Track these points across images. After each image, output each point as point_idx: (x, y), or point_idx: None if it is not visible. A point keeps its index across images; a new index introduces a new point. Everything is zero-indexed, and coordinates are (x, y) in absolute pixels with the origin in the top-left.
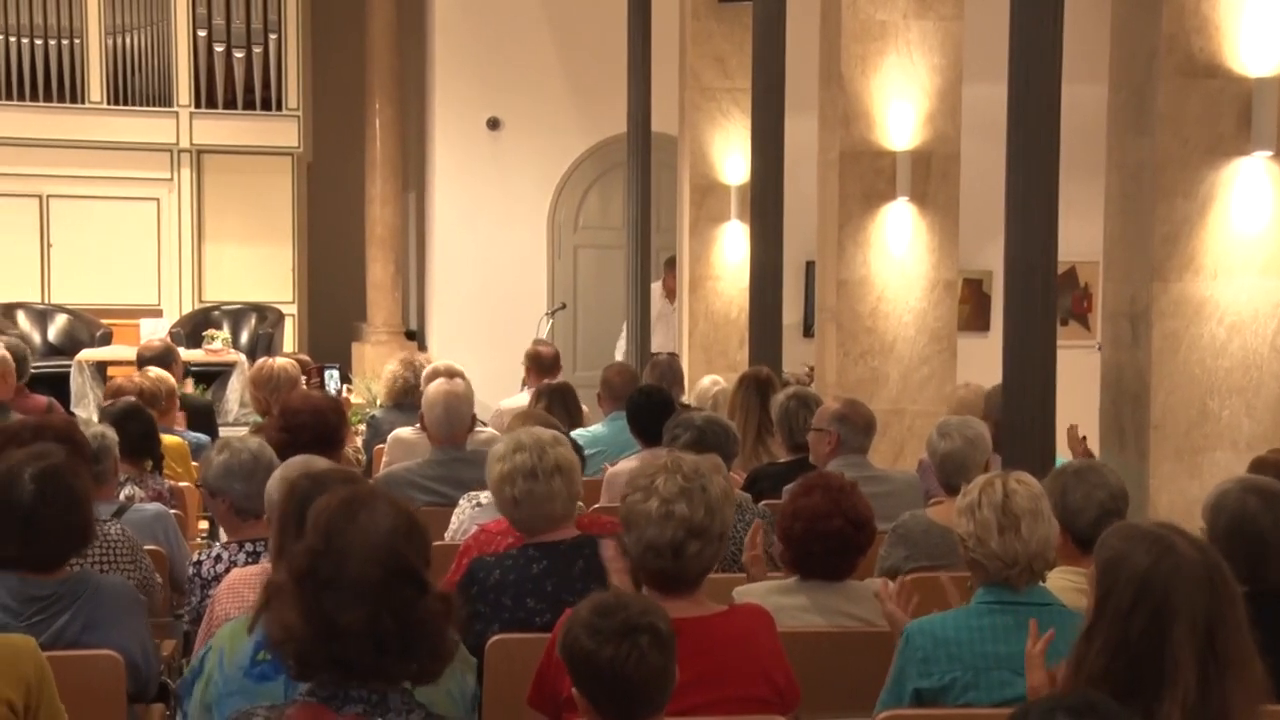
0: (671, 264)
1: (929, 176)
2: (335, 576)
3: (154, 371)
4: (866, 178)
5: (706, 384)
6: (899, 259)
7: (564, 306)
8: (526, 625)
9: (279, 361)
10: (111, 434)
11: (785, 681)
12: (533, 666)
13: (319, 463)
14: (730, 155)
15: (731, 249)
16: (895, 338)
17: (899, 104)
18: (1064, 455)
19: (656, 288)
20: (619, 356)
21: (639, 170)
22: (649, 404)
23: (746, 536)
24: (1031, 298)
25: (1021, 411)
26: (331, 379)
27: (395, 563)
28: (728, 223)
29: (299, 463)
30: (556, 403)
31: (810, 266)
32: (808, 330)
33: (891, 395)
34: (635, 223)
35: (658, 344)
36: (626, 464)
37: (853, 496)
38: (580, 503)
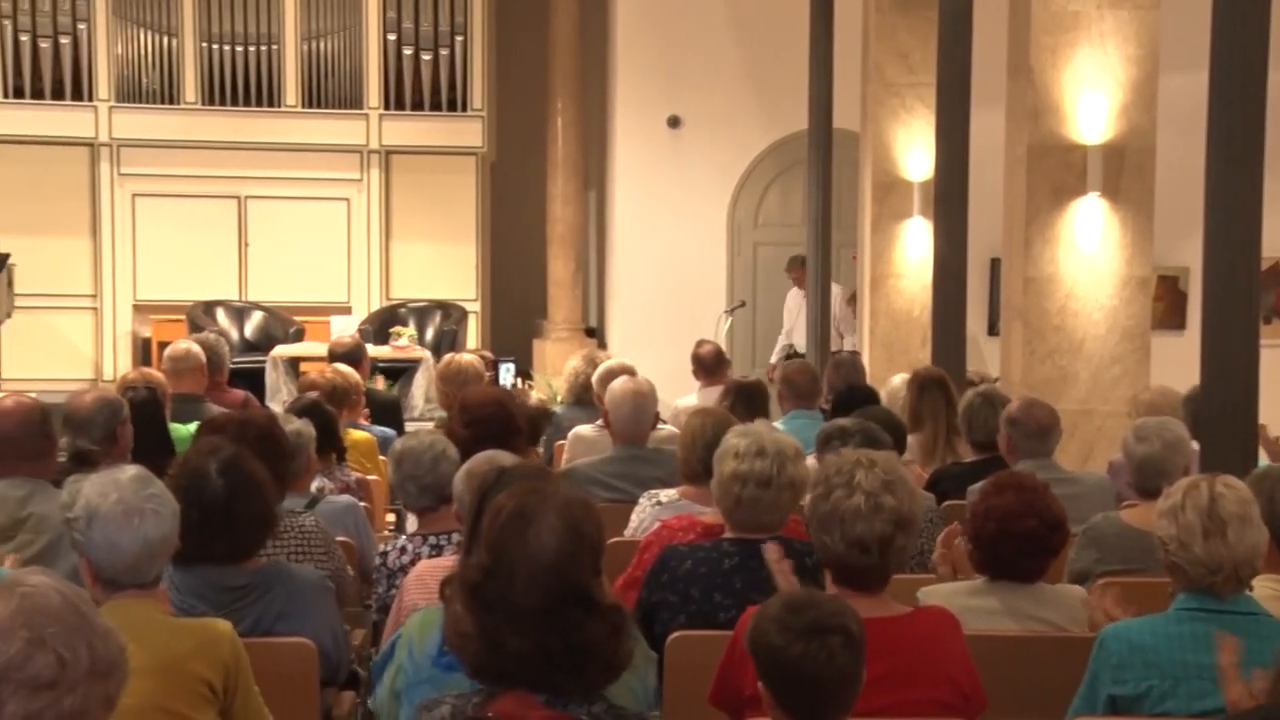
0: (801, 262)
1: (1122, 170)
2: (501, 598)
3: (342, 367)
4: (1056, 172)
5: (896, 383)
6: (1089, 255)
7: (743, 304)
8: (710, 620)
9: (466, 357)
10: (309, 429)
11: (971, 686)
12: (713, 663)
13: (504, 458)
14: (913, 151)
15: (914, 246)
16: (1085, 336)
17: (1091, 96)
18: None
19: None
20: (774, 359)
21: (820, 167)
22: (854, 402)
23: (939, 536)
24: (1233, 295)
25: (1221, 413)
26: (506, 372)
27: (561, 587)
28: (910, 219)
29: (484, 458)
30: (742, 401)
31: (995, 264)
32: (992, 329)
33: (1080, 395)
34: (816, 220)
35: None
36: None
37: (1046, 497)
38: None
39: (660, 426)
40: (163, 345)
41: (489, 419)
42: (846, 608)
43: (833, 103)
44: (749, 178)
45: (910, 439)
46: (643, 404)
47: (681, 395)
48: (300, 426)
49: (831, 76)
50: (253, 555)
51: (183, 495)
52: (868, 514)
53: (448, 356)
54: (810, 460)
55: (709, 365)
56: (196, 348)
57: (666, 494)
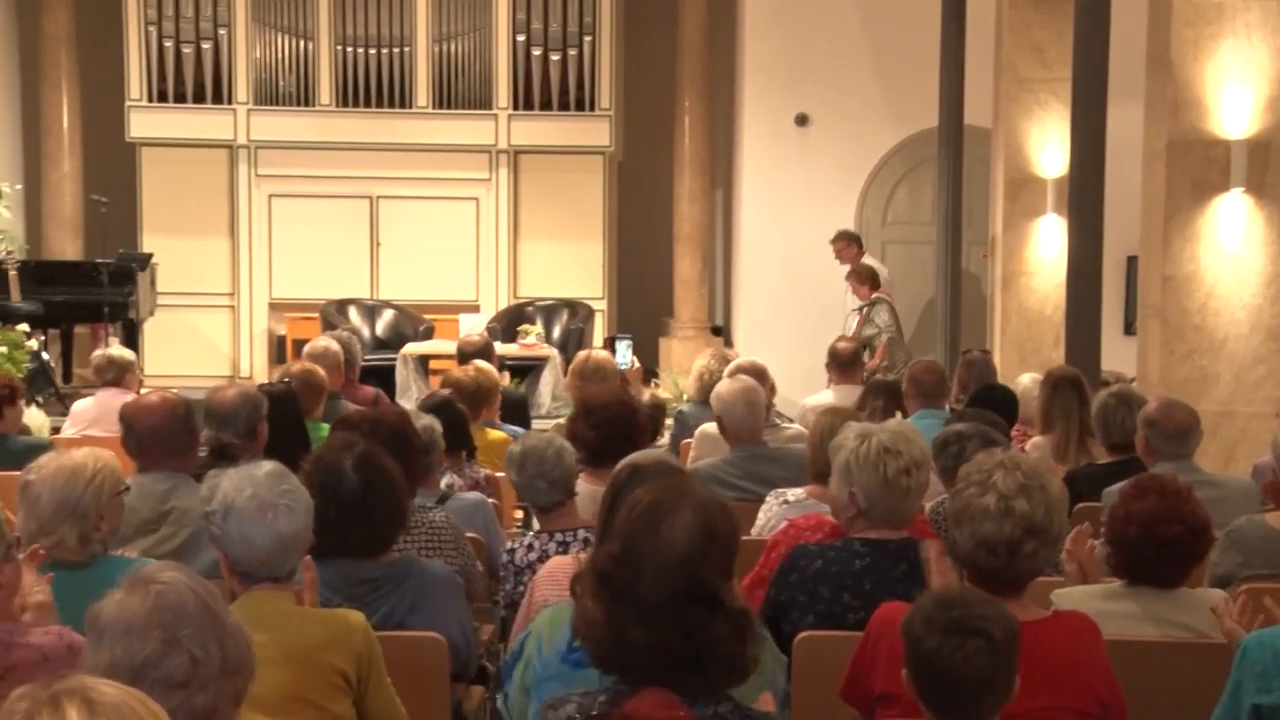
0: (848, 237)
1: (1268, 166)
2: (629, 589)
3: (484, 365)
4: (1197, 168)
5: (1026, 383)
6: (1232, 253)
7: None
8: (839, 620)
9: (600, 354)
10: (438, 426)
11: (1110, 695)
12: (841, 663)
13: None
14: (1047, 147)
15: (1047, 243)
16: (1226, 335)
17: (1235, 90)
18: None
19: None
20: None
21: (950, 164)
22: (991, 403)
23: (1068, 536)
24: None
25: None
26: (624, 349)
27: (688, 584)
28: (1043, 217)
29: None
30: (885, 400)
31: (1132, 262)
32: (1128, 328)
33: (1222, 396)
34: (946, 217)
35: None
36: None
37: (1191, 502)
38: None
39: (787, 425)
40: (297, 343)
41: (614, 419)
42: (1000, 613)
43: (964, 99)
44: (877, 175)
45: (1042, 439)
46: (754, 400)
47: (807, 394)
48: (429, 422)
49: (963, 72)
50: (386, 550)
51: (318, 490)
52: (996, 515)
53: (584, 353)
54: None
55: (845, 362)
56: (336, 345)
57: (794, 493)
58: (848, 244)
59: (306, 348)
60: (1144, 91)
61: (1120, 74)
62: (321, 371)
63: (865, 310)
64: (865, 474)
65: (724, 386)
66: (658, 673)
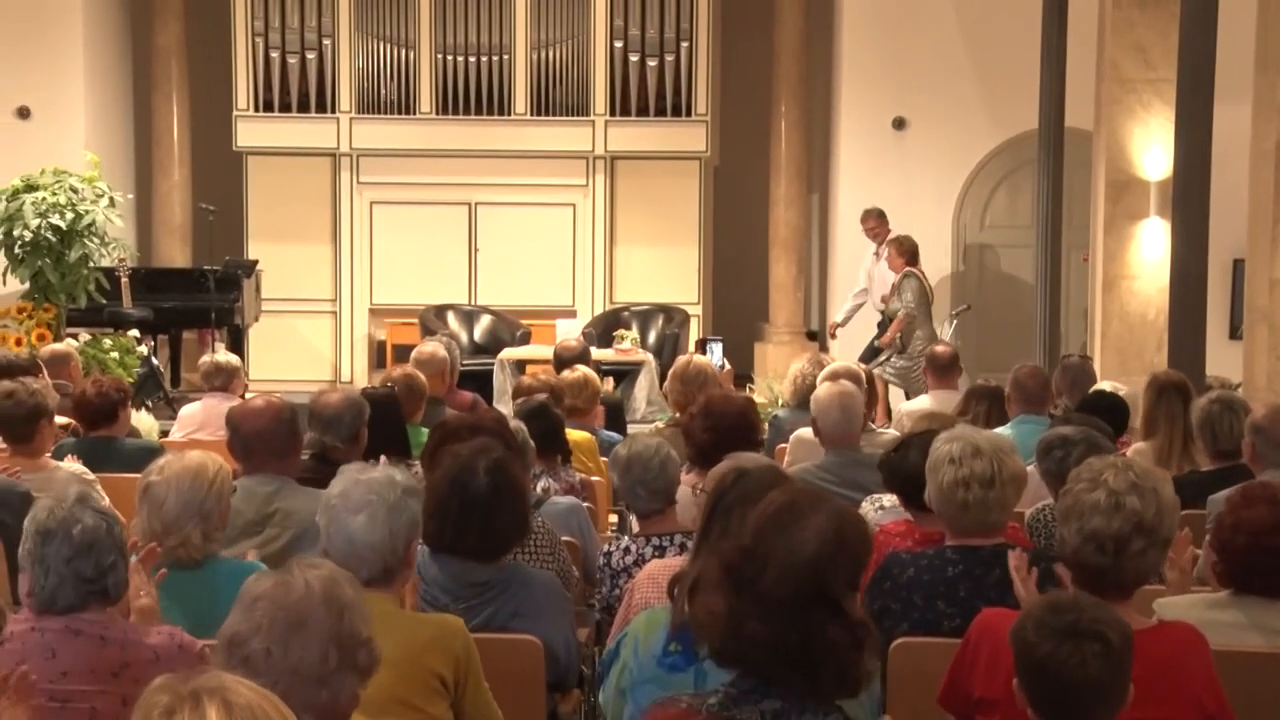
0: (878, 215)
1: None
2: (752, 581)
3: (581, 370)
4: None
5: (1107, 389)
6: None
7: (968, 308)
8: (934, 628)
9: (701, 359)
10: (524, 430)
11: (1218, 708)
12: (938, 671)
13: (746, 459)
14: (1150, 149)
15: (1150, 247)
16: None
17: None
18: None
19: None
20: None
21: (1050, 166)
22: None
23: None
24: None
25: None
26: (714, 351)
27: (812, 585)
28: (1146, 220)
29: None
30: (988, 405)
31: (1238, 265)
32: (1234, 332)
33: None
34: (1045, 221)
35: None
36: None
37: None
38: None
39: (883, 430)
40: (397, 348)
41: (734, 427)
42: (1114, 617)
43: (1065, 100)
44: (976, 179)
45: (1144, 445)
46: (850, 405)
47: (903, 399)
48: (520, 426)
49: (1064, 73)
50: (499, 557)
51: (448, 485)
52: (1107, 510)
53: (684, 357)
54: (1029, 469)
55: (943, 367)
56: (443, 351)
57: (890, 499)
58: (879, 222)
59: (414, 353)
60: (1251, 91)
61: (1226, 73)
62: (422, 377)
63: (899, 281)
64: (931, 478)
65: (821, 391)
66: (771, 669)
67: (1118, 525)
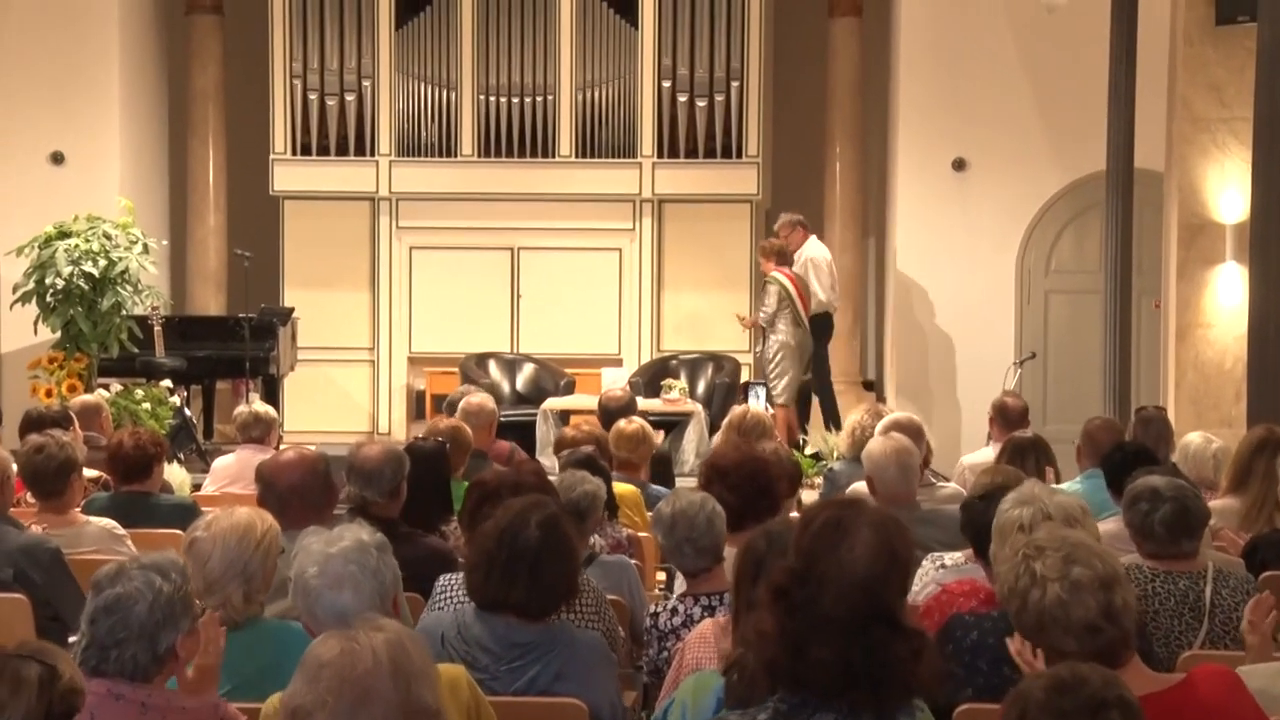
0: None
1: None
2: (809, 605)
3: (638, 423)
4: None
5: (1198, 441)
6: None
7: (1033, 356)
8: (999, 694)
9: (758, 410)
10: (600, 491)
11: None
12: None
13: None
14: (1225, 190)
15: (1226, 293)
16: None
17: None
18: None
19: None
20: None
21: (1119, 209)
22: (1128, 464)
23: (1247, 608)
24: None
25: None
26: (757, 396)
27: (871, 603)
28: (1221, 264)
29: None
30: (1028, 457)
31: None
32: None
33: None
34: (1114, 266)
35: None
36: (1104, 526)
37: None
38: None
39: (942, 485)
40: (436, 398)
41: (751, 477)
42: (1115, 677)
43: (1134, 140)
44: (1040, 222)
45: (1230, 501)
46: (906, 461)
47: (968, 452)
48: (594, 489)
49: (1133, 112)
50: (545, 616)
51: (497, 536)
52: (1071, 599)
53: (740, 408)
54: (1113, 523)
55: (1013, 419)
56: (491, 403)
57: (951, 557)
58: (792, 230)
59: (461, 404)
60: None
61: None
62: (468, 430)
63: (765, 284)
64: (998, 542)
65: (876, 445)
66: (835, 690)
67: (1094, 601)
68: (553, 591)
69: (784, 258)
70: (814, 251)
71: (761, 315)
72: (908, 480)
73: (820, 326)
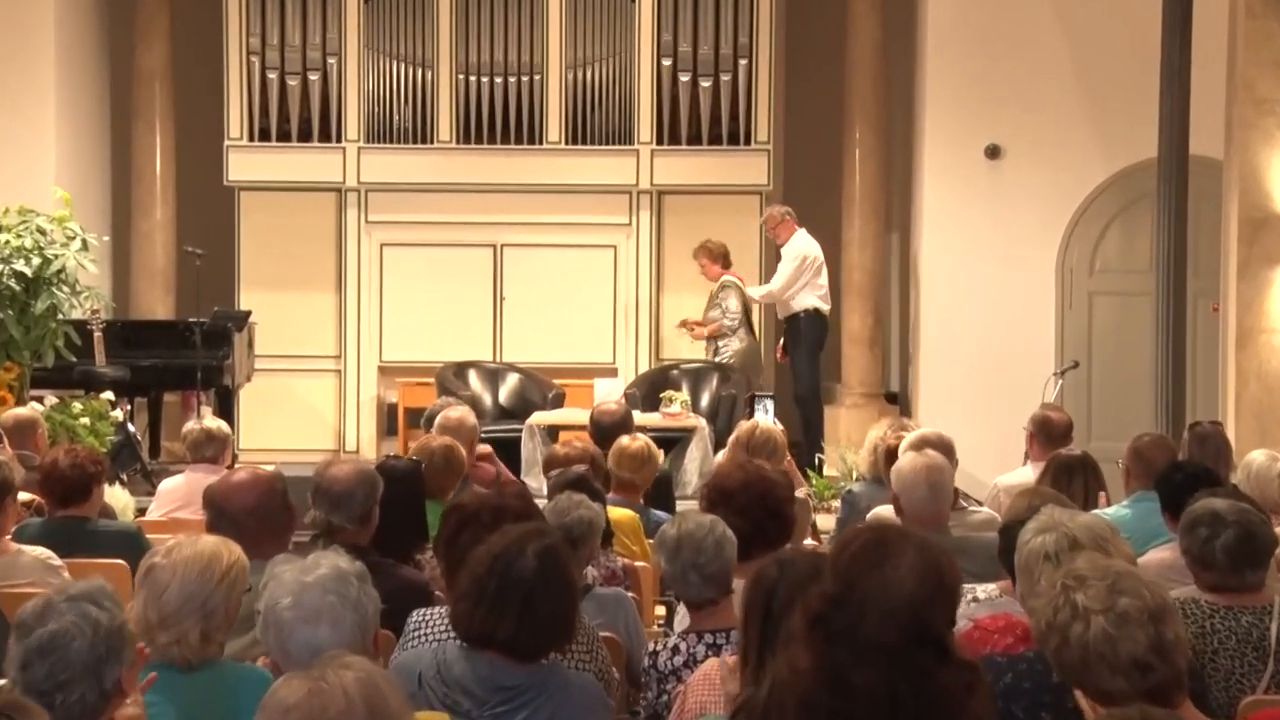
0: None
1: None
2: (850, 630)
3: (642, 440)
4: None
5: (1263, 460)
6: None
7: (1076, 365)
8: None
9: (769, 425)
10: (599, 519)
11: None
12: None
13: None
14: None
15: None
16: None
17: None
18: None
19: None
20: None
21: (1173, 201)
22: (1188, 485)
23: None
24: None
25: None
26: (765, 410)
27: (916, 628)
28: None
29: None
30: (1075, 478)
31: None
32: None
33: None
34: (1167, 264)
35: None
36: (1157, 555)
37: None
38: None
39: (975, 509)
40: (410, 412)
41: (760, 498)
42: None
43: (1189, 124)
44: (1083, 215)
45: None
46: (939, 482)
47: (1001, 472)
48: (591, 515)
49: (1188, 93)
50: (536, 658)
51: (489, 563)
52: (1118, 633)
53: (748, 423)
54: (1167, 551)
55: (1056, 435)
56: (472, 418)
57: (985, 589)
58: (781, 220)
59: (438, 419)
60: None
61: None
62: (462, 449)
63: (717, 291)
64: (1023, 577)
65: (906, 462)
66: None
67: (1144, 635)
68: (545, 630)
69: (728, 260)
70: (809, 247)
71: (727, 323)
72: (938, 501)
73: (814, 328)
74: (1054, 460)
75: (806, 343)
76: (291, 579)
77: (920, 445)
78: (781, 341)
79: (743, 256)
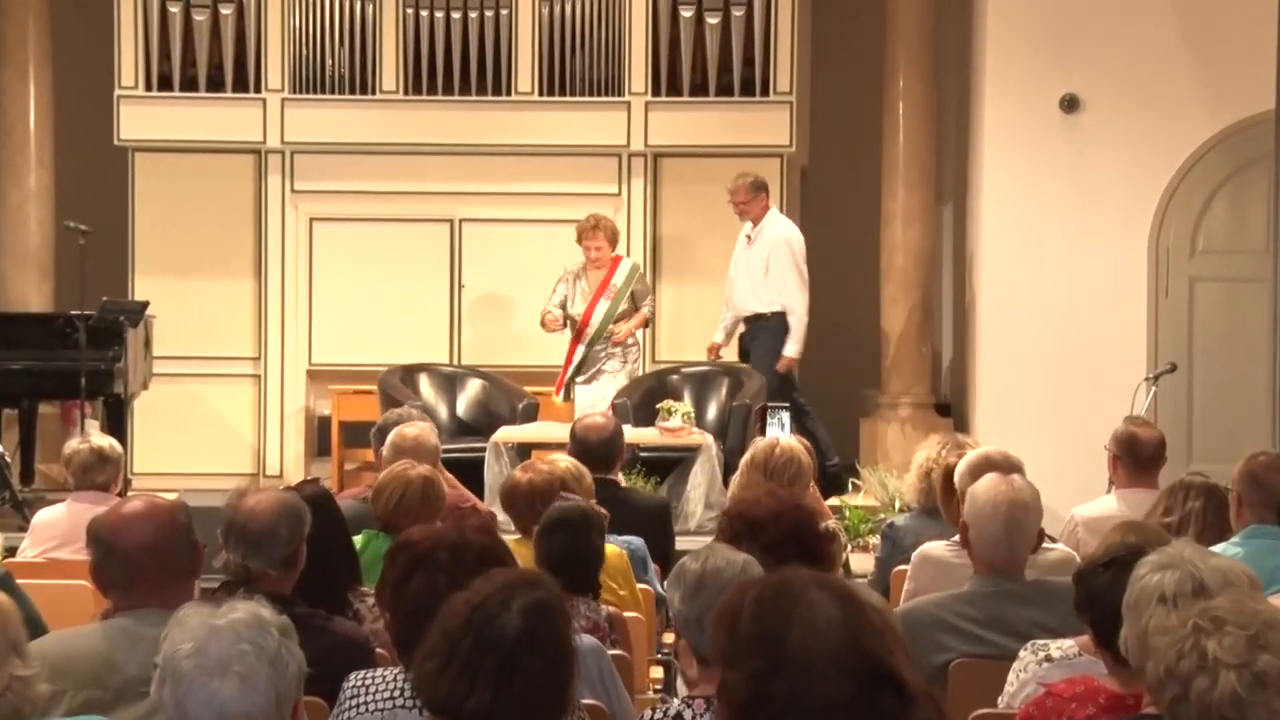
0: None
1: None
2: (796, 700)
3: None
4: None
5: None
6: None
7: (1173, 368)
8: None
9: (792, 442)
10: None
11: None
12: None
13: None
14: None
15: None
16: None
17: None
18: None
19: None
20: (719, 337)
21: None
22: None
23: None
24: None
25: None
26: (780, 423)
27: (868, 667)
28: None
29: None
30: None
31: None
32: None
33: None
34: None
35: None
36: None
37: None
38: None
39: (1048, 547)
40: (346, 427)
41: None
42: None
43: None
44: (1183, 183)
45: None
46: (1020, 518)
47: (1077, 501)
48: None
49: None
50: None
51: (465, 615)
52: (1251, 697)
53: (767, 440)
54: None
55: (1147, 457)
56: (433, 435)
57: (1060, 646)
58: (753, 193)
59: (391, 437)
60: None
61: None
62: (442, 481)
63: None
64: (1131, 621)
65: (982, 488)
66: None
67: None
68: (528, 705)
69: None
70: (789, 230)
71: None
72: (1017, 542)
73: (775, 329)
74: (1178, 486)
75: (777, 344)
76: (197, 623)
77: (984, 468)
78: (723, 338)
79: None
